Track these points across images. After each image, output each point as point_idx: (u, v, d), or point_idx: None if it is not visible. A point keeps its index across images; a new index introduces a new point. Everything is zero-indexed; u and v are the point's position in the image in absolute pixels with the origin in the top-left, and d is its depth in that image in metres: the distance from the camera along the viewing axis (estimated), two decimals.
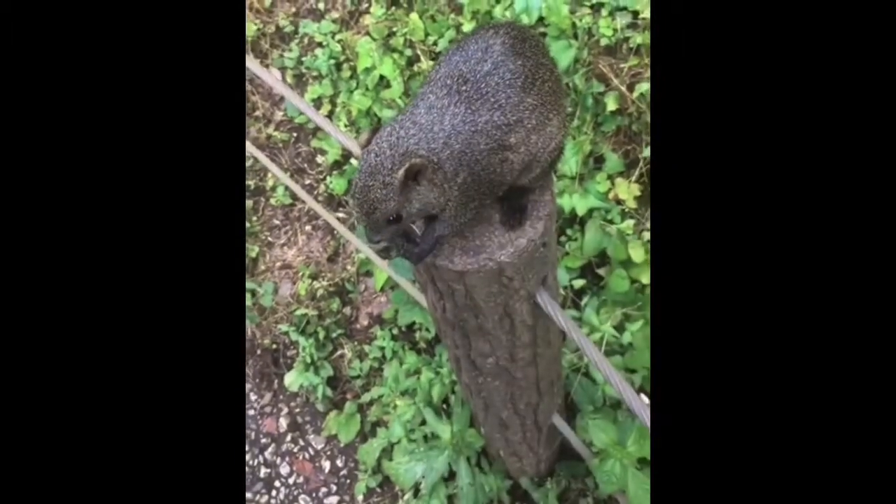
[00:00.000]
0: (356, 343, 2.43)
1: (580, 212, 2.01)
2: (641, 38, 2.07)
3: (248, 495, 2.32)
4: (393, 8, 2.68)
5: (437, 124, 0.88)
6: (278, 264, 2.60)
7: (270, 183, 2.71)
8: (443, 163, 0.88)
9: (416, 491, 2.08)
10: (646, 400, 1.84)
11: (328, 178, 2.60)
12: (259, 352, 2.53)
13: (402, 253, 0.98)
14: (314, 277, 2.51)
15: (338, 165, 2.63)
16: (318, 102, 2.69)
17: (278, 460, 2.38)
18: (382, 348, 2.32)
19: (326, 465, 2.36)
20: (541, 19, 2.28)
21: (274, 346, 2.51)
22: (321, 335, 2.41)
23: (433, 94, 0.90)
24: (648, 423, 1.05)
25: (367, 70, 2.51)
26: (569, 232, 2.08)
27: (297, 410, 2.45)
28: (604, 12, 2.18)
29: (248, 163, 2.73)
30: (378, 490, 2.24)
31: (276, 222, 2.69)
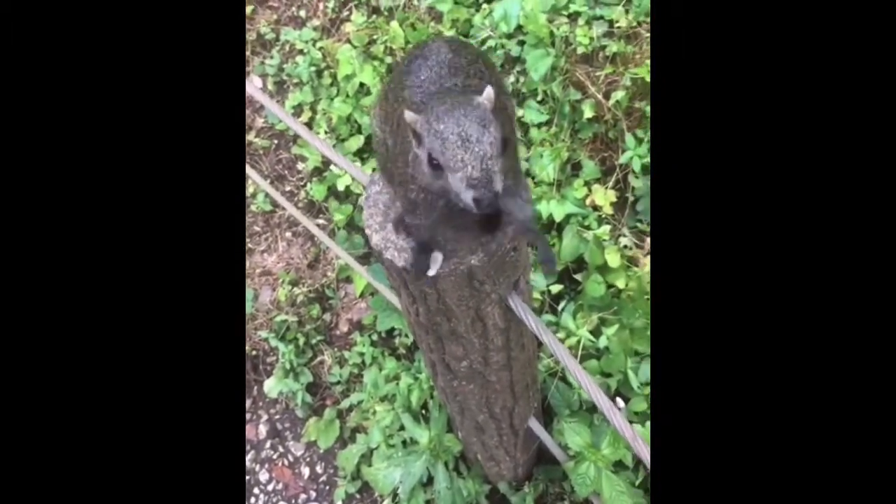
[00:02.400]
0: (336, 349, 2.43)
1: (557, 218, 2.03)
2: (617, 46, 2.10)
3: None
4: (374, 16, 2.70)
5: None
6: (258, 271, 2.60)
7: (251, 189, 2.71)
8: None
9: (395, 496, 2.08)
10: (621, 404, 1.86)
11: (308, 185, 2.61)
12: None
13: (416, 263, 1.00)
14: (294, 284, 2.51)
15: (318, 172, 2.63)
16: (298, 109, 2.70)
17: (257, 467, 2.37)
18: (362, 354, 2.32)
19: (306, 471, 2.35)
20: (519, 27, 2.31)
21: (253, 353, 2.51)
22: (301, 341, 2.41)
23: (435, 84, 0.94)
24: (620, 427, 1.07)
25: (348, 77, 2.52)
26: (547, 237, 2.10)
27: (277, 417, 2.45)
28: (581, 21, 2.22)
29: None
30: (357, 496, 2.24)
31: (257, 229, 2.69)
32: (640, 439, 1.05)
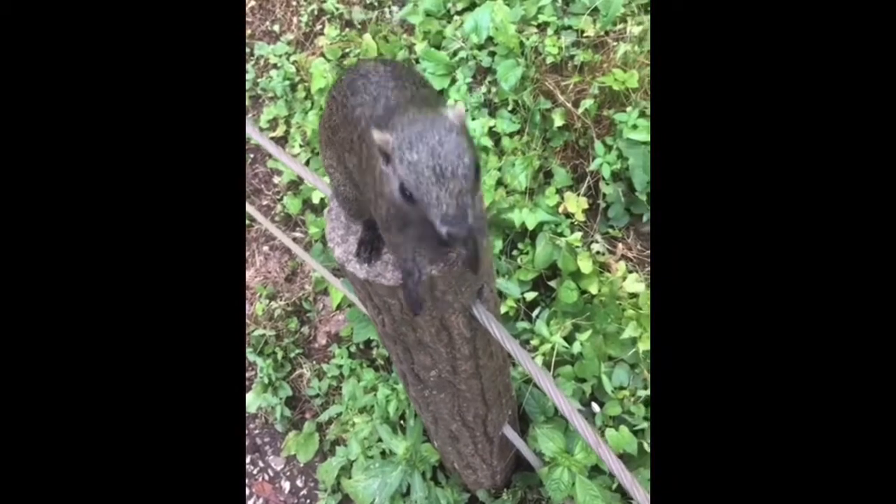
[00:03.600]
0: (314, 362, 2.43)
1: (530, 226, 2.04)
2: (585, 55, 2.13)
3: None
4: (346, 29, 2.71)
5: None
6: None
7: None
8: None
9: None
10: (596, 409, 1.87)
11: (284, 199, 2.61)
12: None
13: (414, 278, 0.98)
14: (272, 298, 2.51)
15: (294, 185, 2.64)
16: (273, 123, 2.71)
17: None
18: (340, 366, 2.32)
19: (286, 485, 2.34)
20: (489, 38, 2.33)
21: None
22: (279, 355, 2.41)
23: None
24: (582, 430, 1.07)
25: (322, 90, 2.53)
26: (520, 245, 2.12)
27: (257, 432, 2.44)
28: (549, 31, 2.25)
29: None
30: None
31: None
32: (603, 444, 1.06)
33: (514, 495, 1.95)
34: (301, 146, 2.58)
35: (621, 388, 1.84)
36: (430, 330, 1.15)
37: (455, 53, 2.37)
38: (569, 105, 2.11)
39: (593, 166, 2.05)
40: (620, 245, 2.09)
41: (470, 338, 1.21)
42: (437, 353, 1.23)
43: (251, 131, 1.62)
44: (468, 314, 1.15)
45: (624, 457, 1.73)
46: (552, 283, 2.07)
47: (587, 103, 2.04)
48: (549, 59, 2.18)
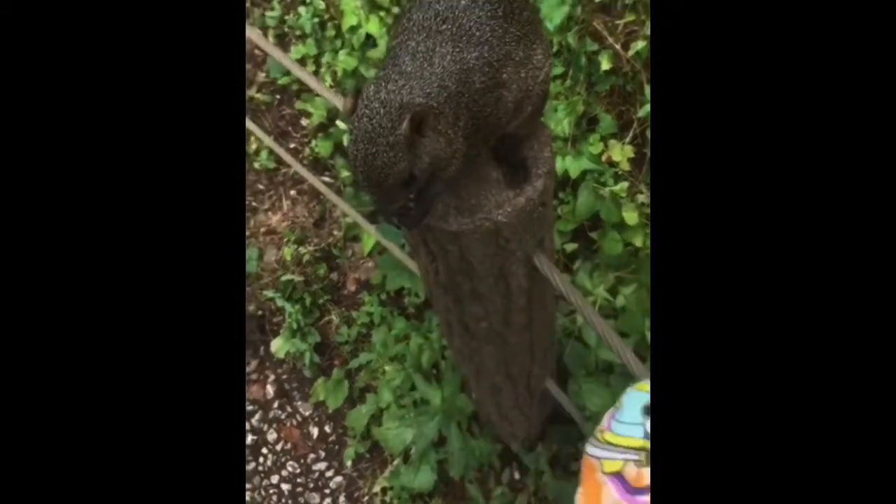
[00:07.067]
0: (343, 309, 2.39)
1: (573, 174, 1.97)
2: None
3: None
4: None
5: (427, 68, 0.82)
6: (263, 230, 2.55)
7: (254, 147, 2.64)
8: (442, 107, 0.82)
9: (406, 457, 2.06)
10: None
11: (313, 141, 2.54)
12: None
13: (396, 220, 0.92)
14: (300, 243, 2.46)
15: (323, 128, 2.56)
16: (301, 63, 2.61)
17: (265, 427, 2.36)
18: (371, 314, 2.28)
19: (315, 431, 2.34)
20: None
21: (259, 313, 2.47)
22: (308, 301, 2.37)
23: (412, 40, 0.84)
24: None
25: (353, 28, 2.43)
26: (561, 195, 2.04)
27: (285, 377, 2.42)
28: None
29: None
30: (367, 455, 2.23)
31: (260, 187, 2.63)
32: None
33: (548, 448, 1.92)
34: (331, 86, 2.48)
35: None
36: (487, 280, 1.09)
37: None
38: (617, 47, 2.00)
39: (641, 113, 1.95)
40: None
41: (527, 288, 1.15)
42: (492, 304, 1.17)
43: (287, 63, 1.53)
44: (529, 264, 1.09)
45: None
46: (593, 235, 2.00)
47: (638, 45, 1.93)
48: None
